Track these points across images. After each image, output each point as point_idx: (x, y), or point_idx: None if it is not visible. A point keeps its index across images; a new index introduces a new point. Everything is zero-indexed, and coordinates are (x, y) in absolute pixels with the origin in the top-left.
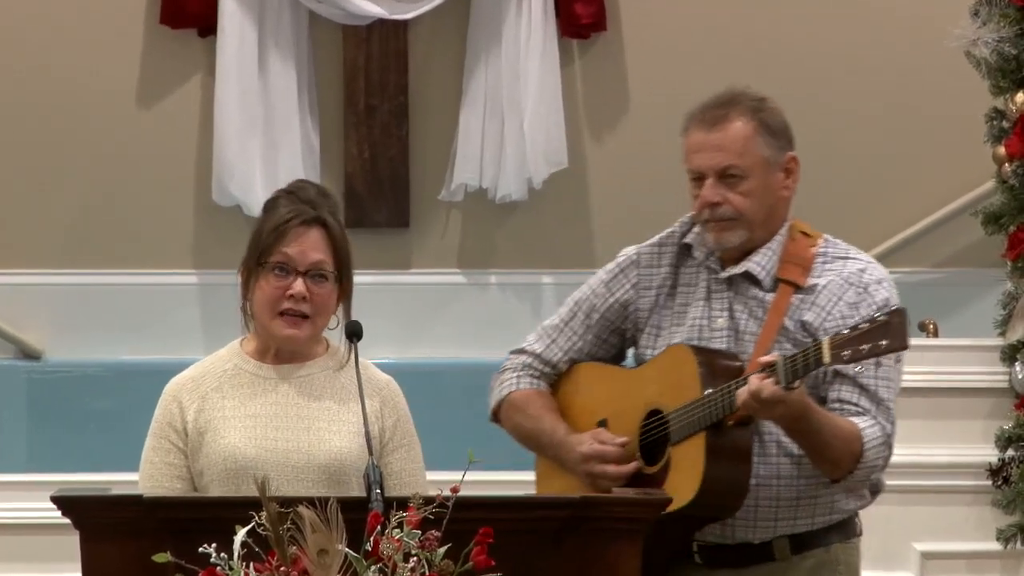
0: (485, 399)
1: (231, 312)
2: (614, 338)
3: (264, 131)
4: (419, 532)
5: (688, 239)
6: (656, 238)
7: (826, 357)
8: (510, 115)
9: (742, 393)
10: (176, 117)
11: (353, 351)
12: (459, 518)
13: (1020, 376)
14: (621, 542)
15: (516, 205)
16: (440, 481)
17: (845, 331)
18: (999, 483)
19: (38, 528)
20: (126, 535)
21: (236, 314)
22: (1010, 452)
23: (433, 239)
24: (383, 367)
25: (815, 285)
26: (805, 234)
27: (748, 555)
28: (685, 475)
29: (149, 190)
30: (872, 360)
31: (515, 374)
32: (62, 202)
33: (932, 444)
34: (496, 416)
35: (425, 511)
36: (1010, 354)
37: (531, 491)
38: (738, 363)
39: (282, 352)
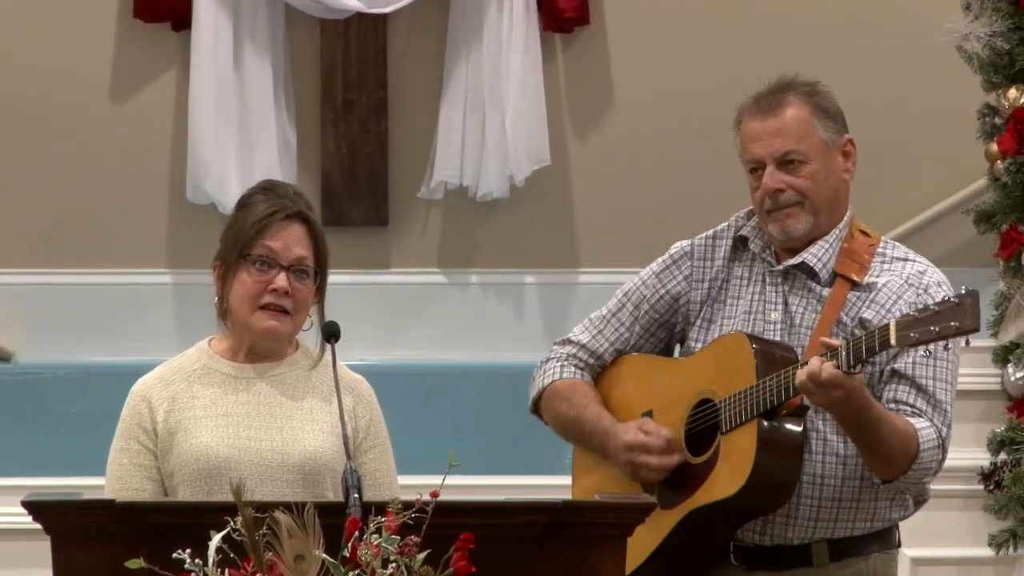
0: (465, 401)
1: (206, 312)
2: (662, 332)
3: (239, 127)
4: (398, 537)
5: (744, 231)
6: (711, 231)
7: (893, 338)
8: (491, 111)
9: (800, 374)
10: (149, 113)
11: (328, 351)
12: (439, 523)
13: (1013, 378)
14: (604, 548)
15: (497, 203)
16: (420, 485)
17: (913, 313)
18: (991, 487)
19: (8, 534)
20: (98, 541)
21: (210, 314)
22: (1002, 456)
23: (412, 238)
24: (361, 369)
25: (874, 283)
26: (864, 233)
27: (785, 558)
28: (735, 463)
29: (122, 188)
30: (928, 353)
31: (559, 363)
32: (33, 201)
33: None
34: (536, 407)
35: (404, 516)
36: (1002, 355)
37: (513, 495)
38: (793, 355)
39: (255, 351)
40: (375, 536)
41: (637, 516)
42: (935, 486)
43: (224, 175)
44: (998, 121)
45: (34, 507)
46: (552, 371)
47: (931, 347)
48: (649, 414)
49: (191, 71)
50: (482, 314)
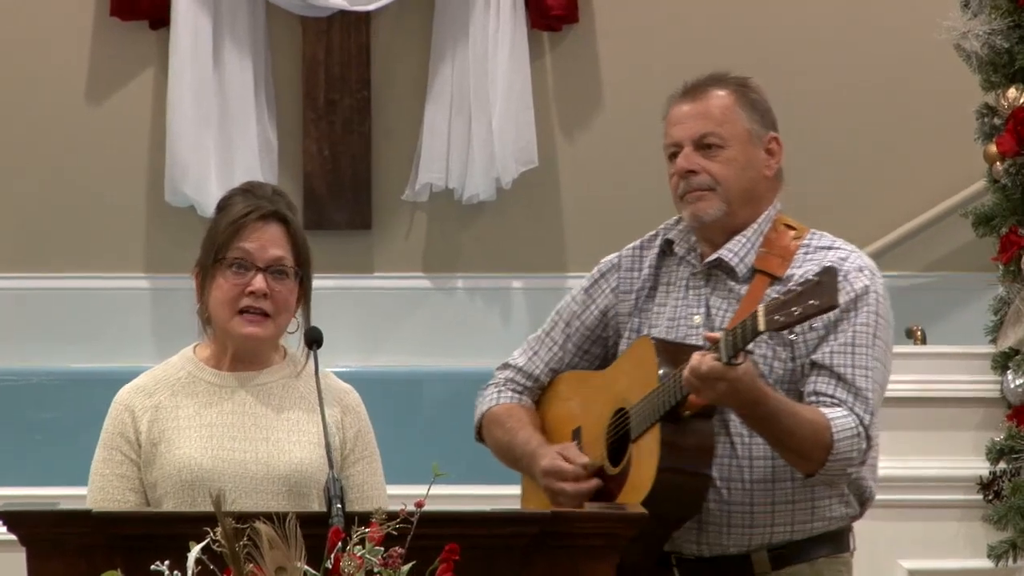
0: (450, 409)
1: (185, 318)
2: (596, 348)
3: (219, 128)
4: (382, 549)
5: (671, 235)
6: (639, 240)
7: (761, 324)
8: (477, 111)
9: (684, 371)
10: (127, 114)
11: (312, 358)
12: (424, 534)
13: (1012, 385)
14: (593, 559)
15: (484, 206)
16: (404, 495)
17: (778, 295)
18: (990, 497)
19: None
20: (75, 552)
21: (190, 320)
22: (1002, 465)
23: (396, 241)
24: (344, 375)
25: (792, 276)
26: (790, 227)
27: (726, 568)
28: (642, 470)
29: (99, 190)
30: (852, 344)
31: (496, 389)
32: (6, 202)
33: (920, 456)
34: (480, 433)
35: (388, 527)
36: (1002, 362)
37: (500, 506)
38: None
39: (239, 358)
40: (358, 547)
41: (627, 527)
42: (934, 496)
43: (203, 177)
44: (997, 121)
45: (9, 517)
46: (490, 397)
47: (850, 335)
48: (578, 431)
49: (170, 70)
50: (468, 319)
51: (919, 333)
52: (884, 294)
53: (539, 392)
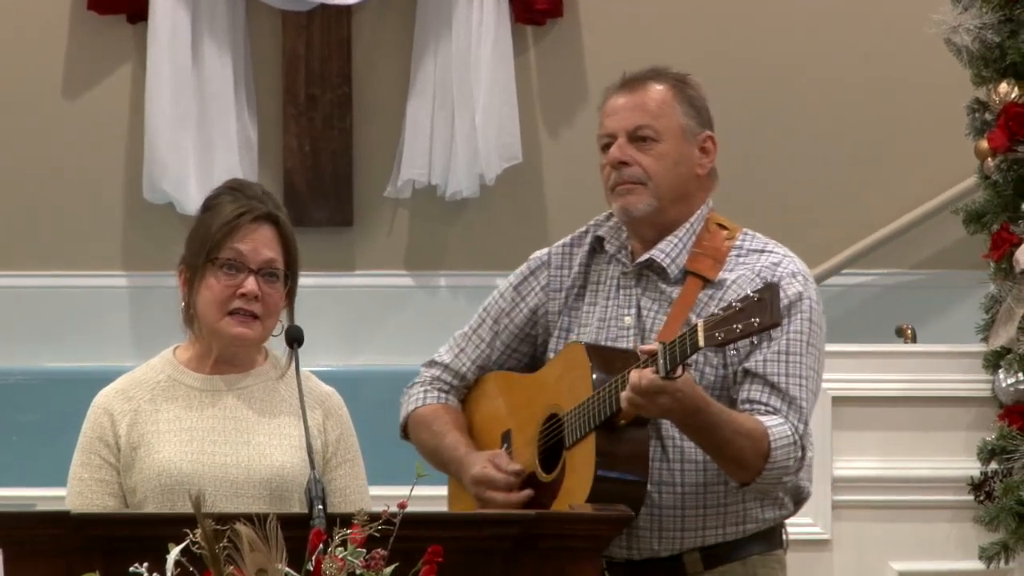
0: None
1: (163, 317)
2: (525, 346)
3: (198, 124)
4: (364, 551)
5: (601, 231)
6: (568, 237)
7: (701, 340)
8: (461, 107)
9: (625, 392)
10: (104, 109)
11: (293, 358)
12: (407, 535)
13: (1004, 384)
14: (578, 562)
15: (467, 203)
16: (386, 496)
17: (718, 312)
18: (982, 498)
19: None
20: (53, 554)
21: (169, 318)
22: (993, 465)
23: (379, 239)
24: (325, 374)
25: (724, 280)
26: (722, 227)
27: (658, 571)
28: (578, 479)
29: (75, 187)
30: (786, 352)
31: (422, 389)
32: None
33: (910, 457)
34: (405, 433)
35: (370, 528)
36: (993, 361)
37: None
38: (634, 360)
39: (222, 359)
40: (340, 549)
41: (612, 529)
42: (924, 497)
43: (182, 174)
44: (988, 117)
45: None
46: (416, 397)
47: (783, 343)
48: (507, 434)
49: (148, 65)
50: (451, 318)
51: (909, 332)
52: (818, 299)
53: (465, 391)
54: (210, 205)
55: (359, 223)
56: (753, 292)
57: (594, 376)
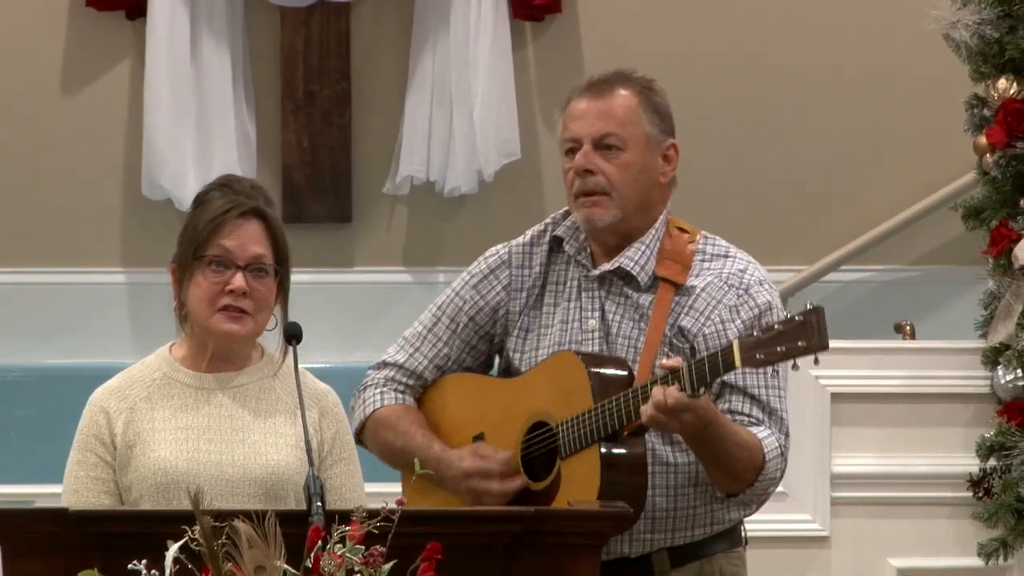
0: None
1: (162, 313)
2: (483, 344)
3: (197, 120)
4: (363, 547)
5: (559, 231)
6: (527, 235)
7: (737, 361)
8: (459, 103)
9: (647, 409)
10: (103, 106)
11: (291, 354)
12: (405, 532)
13: (1003, 381)
14: (577, 558)
15: (465, 199)
16: (385, 493)
17: (756, 332)
18: (980, 495)
19: None
20: (51, 551)
21: (167, 315)
22: (992, 462)
23: (377, 235)
24: (323, 371)
25: (693, 287)
26: (682, 230)
27: (626, 571)
28: (580, 489)
29: (74, 183)
30: (770, 368)
31: (377, 391)
32: None
33: (909, 453)
34: (360, 437)
35: (369, 525)
36: (992, 357)
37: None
38: (626, 372)
39: (216, 358)
40: (339, 546)
41: (612, 525)
42: (923, 493)
43: (181, 170)
44: (987, 113)
45: None
46: (372, 399)
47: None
48: (481, 437)
49: (146, 61)
50: None
51: (908, 328)
52: (780, 307)
53: (421, 390)
54: (200, 201)
55: (358, 219)
56: (797, 315)
57: (594, 387)
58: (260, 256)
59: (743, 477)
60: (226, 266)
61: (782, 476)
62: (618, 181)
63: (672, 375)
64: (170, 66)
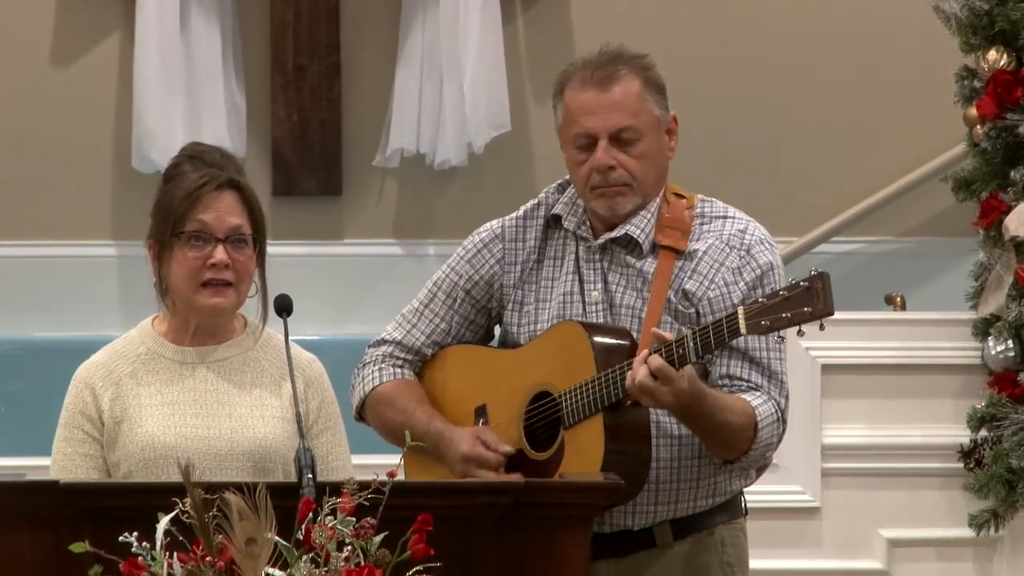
0: None
1: (151, 286)
2: (481, 318)
3: (186, 93)
4: (353, 519)
5: (557, 209)
6: (521, 210)
7: (743, 327)
8: (449, 75)
9: (637, 371)
10: (93, 79)
11: (272, 322)
12: (396, 504)
13: (993, 352)
14: (569, 530)
15: (455, 171)
16: (376, 465)
17: (761, 299)
18: (971, 466)
19: None
20: (41, 524)
21: (153, 288)
22: (983, 433)
23: (367, 208)
24: (313, 343)
25: (695, 251)
26: (679, 195)
27: (628, 543)
28: (583, 458)
29: (64, 156)
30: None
31: (376, 367)
32: None
33: (899, 424)
34: (361, 415)
35: (360, 497)
36: (982, 328)
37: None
38: (628, 341)
39: (199, 332)
40: (330, 518)
41: (602, 497)
42: (914, 464)
43: (171, 143)
44: (977, 84)
45: None
46: (371, 376)
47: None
48: (483, 408)
49: (136, 34)
50: None
51: (899, 299)
52: (782, 266)
53: (420, 365)
54: (171, 175)
55: (348, 192)
56: (801, 280)
57: (597, 357)
58: (238, 227)
59: (738, 446)
60: (206, 240)
61: (780, 440)
62: (639, 172)
63: (677, 343)
64: (160, 39)
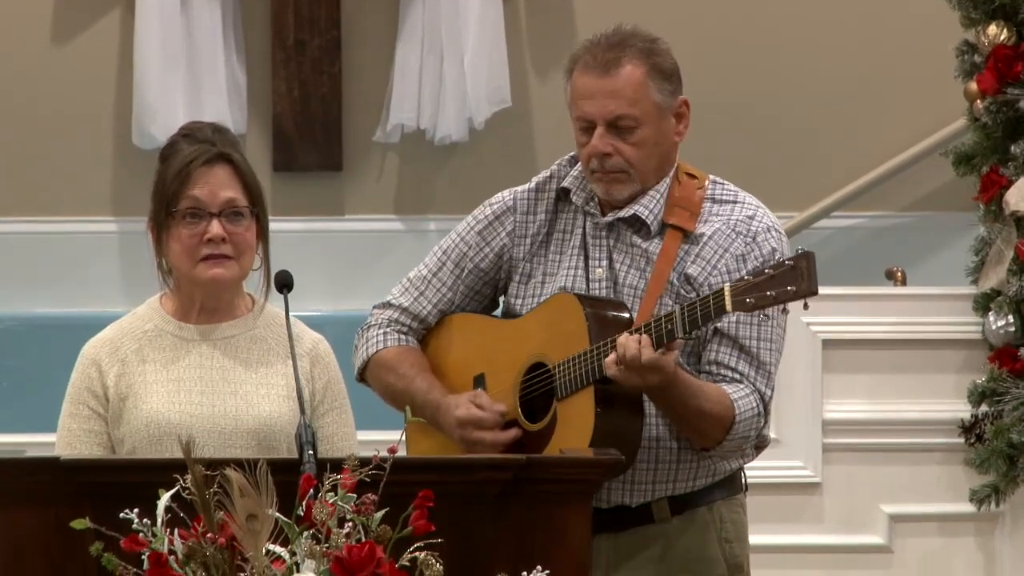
0: None
1: (153, 262)
2: (487, 289)
3: (187, 69)
4: (354, 496)
5: (566, 183)
6: (533, 182)
7: (728, 304)
8: (450, 50)
9: (625, 343)
10: (93, 54)
11: (271, 298)
12: (397, 480)
13: (994, 327)
14: (569, 505)
15: (456, 147)
16: (376, 441)
17: (747, 276)
18: (972, 441)
19: None
20: (42, 500)
21: (156, 269)
22: (984, 408)
23: (368, 183)
24: (314, 319)
25: (701, 234)
26: (691, 175)
27: (626, 519)
28: (573, 431)
29: (65, 132)
30: (766, 317)
31: (381, 331)
32: None
33: (900, 400)
34: (362, 376)
35: (361, 473)
36: (983, 303)
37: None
38: (627, 314)
39: (205, 309)
40: (331, 494)
41: (603, 472)
42: (914, 440)
43: (171, 119)
44: (977, 59)
45: None
46: (375, 339)
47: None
48: (481, 378)
49: (136, 10)
50: None
51: (900, 274)
52: (788, 253)
53: (423, 333)
54: (165, 156)
55: (348, 168)
56: (786, 258)
57: (591, 328)
58: (232, 200)
59: (710, 435)
60: (200, 216)
61: (758, 433)
62: (636, 160)
63: (666, 318)
64: (160, 15)
